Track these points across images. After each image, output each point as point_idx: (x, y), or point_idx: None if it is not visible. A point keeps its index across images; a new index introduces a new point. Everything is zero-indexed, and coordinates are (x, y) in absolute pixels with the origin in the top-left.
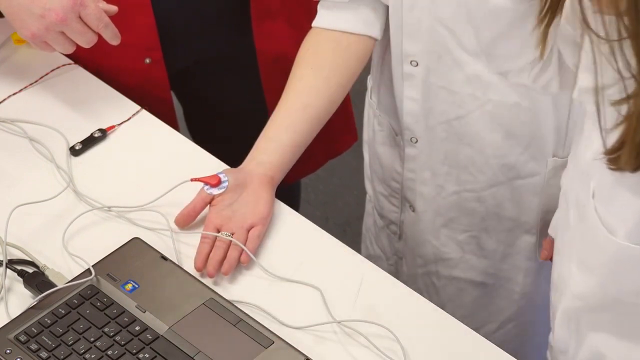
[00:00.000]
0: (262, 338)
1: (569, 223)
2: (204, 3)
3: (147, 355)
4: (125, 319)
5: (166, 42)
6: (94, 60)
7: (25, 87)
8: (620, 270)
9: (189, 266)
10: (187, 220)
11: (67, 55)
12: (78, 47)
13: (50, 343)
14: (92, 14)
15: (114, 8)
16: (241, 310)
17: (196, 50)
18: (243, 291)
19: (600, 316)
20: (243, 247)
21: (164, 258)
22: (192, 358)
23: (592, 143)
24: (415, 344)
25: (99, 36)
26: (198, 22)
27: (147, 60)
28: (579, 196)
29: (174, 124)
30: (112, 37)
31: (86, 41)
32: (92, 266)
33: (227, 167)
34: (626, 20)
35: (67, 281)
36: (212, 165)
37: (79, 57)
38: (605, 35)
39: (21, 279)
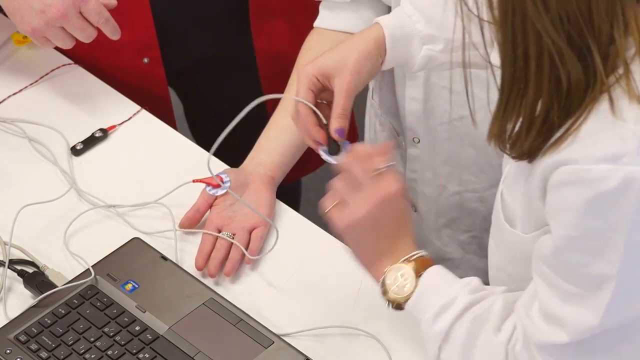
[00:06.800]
0: (262, 338)
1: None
2: (203, 2)
3: (147, 355)
4: (125, 319)
5: (165, 42)
6: (92, 59)
7: (25, 87)
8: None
9: (190, 266)
10: (192, 223)
11: (66, 55)
12: (76, 45)
13: (50, 343)
14: (92, 9)
15: (113, 2)
16: (241, 310)
17: (195, 50)
18: (244, 291)
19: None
20: (244, 250)
21: (164, 258)
22: (192, 358)
23: None
24: (416, 344)
25: (97, 34)
26: (197, 21)
27: (145, 60)
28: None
29: (172, 123)
30: (112, 32)
31: (86, 36)
32: (92, 266)
33: (228, 167)
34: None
35: (67, 281)
36: (213, 165)
37: (77, 55)
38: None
39: (21, 279)
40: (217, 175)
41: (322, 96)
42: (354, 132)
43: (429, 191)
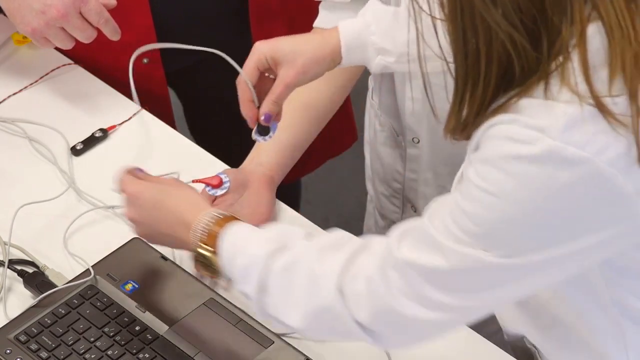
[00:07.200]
0: (262, 338)
1: None
2: (203, 3)
3: (147, 355)
4: (125, 319)
5: (164, 42)
6: (92, 59)
7: (25, 87)
8: None
9: (190, 266)
10: None
11: (66, 55)
12: (76, 45)
13: (50, 343)
14: (92, 9)
15: (113, 2)
16: (241, 310)
17: (195, 51)
18: None
19: None
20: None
21: (164, 258)
22: (192, 358)
23: None
24: None
25: (97, 35)
26: (197, 21)
27: (145, 60)
28: None
29: (172, 123)
30: (112, 32)
31: (86, 37)
32: (92, 266)
33: (228, 167)
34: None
35: (67, 281)
36: (213, 165)
37: (77, 55)
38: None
39: (21, 279)
40: (217, 176)
41: (268, 71)
42: (354, 132)
43: (428, 191)
